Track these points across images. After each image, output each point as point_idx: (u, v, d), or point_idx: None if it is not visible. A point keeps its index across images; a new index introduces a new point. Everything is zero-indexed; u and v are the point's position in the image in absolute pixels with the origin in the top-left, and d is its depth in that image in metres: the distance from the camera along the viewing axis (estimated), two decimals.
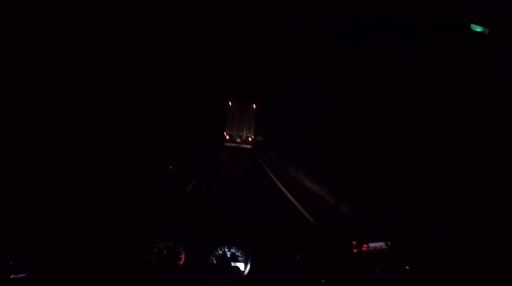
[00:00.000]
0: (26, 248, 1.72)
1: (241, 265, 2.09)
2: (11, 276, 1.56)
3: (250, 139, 19.10)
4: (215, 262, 2.06)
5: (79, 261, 1.78)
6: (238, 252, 2.10)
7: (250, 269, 2.07)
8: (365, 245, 2.27)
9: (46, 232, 1.77)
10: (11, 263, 1.63)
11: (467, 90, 4.51)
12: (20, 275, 1.61)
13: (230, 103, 19.12)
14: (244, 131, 19.05)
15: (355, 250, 2.23)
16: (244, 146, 18.97)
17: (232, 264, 2.08)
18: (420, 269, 2.46)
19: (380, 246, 2.37)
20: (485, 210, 3.54)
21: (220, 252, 2.08)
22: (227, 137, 18.92)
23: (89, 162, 4.59)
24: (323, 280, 2.13)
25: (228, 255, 2.09)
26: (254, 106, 19.15)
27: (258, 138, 20.54)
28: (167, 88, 13.06)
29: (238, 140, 18.98)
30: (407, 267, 2.45)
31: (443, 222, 3.04)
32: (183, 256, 1.99)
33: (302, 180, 11.41)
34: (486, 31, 3.14)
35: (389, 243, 2.40)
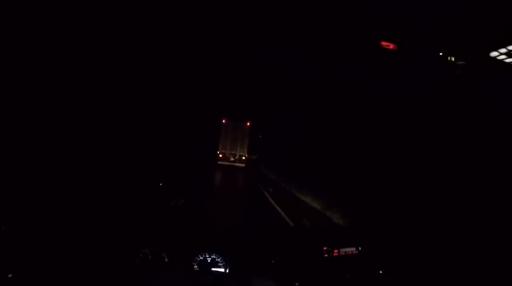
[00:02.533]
0: (22, 257, 1.90)
1: (221, 270, 2.28)
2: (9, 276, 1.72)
3: (243, 158, 18.95)
4: (196, 267, 2.25)
5: (72, 266, 1.97)
6: (218, 258, 2.29)
7: (229, 273, 2.25)
8: (336, 251, 2.45)
9: (40, 239, 1.98)
10: (10, 275, 1.79)
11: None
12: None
13: (223, 121, 19.07)
14: (238, 150, 18.93)
15: (325, 256, 2.41)
16: (238, 164, 18.80)
17: (213, 269, 2.27)
18: (392, 274, 2.61)
19: (351, 252, 2.55)
20: (456, 217, 3.72)
21: (201, 258, 2.27)
22: (220, 156, 18.72)
23: (83, 172, 4.78)
24: (296, 284, 2.30)
25: (209, 261, 2.27)
26: (248, 124, 18.99)
27: (253, 156, 20.45)
28: (161, 108, 13.44)
29: (232, 159, 18.81)
30: (380, 272, 2.60)
31: (414, 228, 3.21)
32: (166, 261, 2.19)
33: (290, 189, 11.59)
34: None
35: (360, 248, 2.58)
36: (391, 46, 3.99)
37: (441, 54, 3.92)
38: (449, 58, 3.84)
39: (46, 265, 1.84)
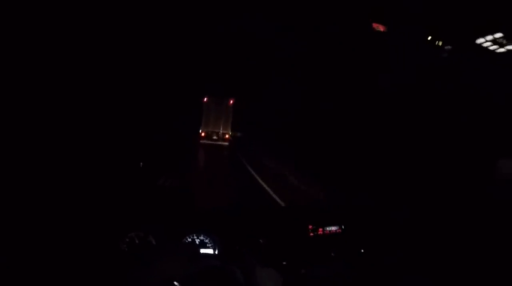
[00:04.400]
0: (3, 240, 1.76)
1: (210, 251, 2.27)
2: None
3: (227, 136, 18.80)
4: (185, 249, 2.22)
5: (53, 251, 1.87)
6: (206, 239, 2.28)
7: (218, 254, 2.26)
8: (320, 229, 2.53)
9: (19, 223, 1.84)
10: None
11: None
12: None
13: (205, 98, 18.51)
14: (221, 128, 18.69)
15: (311, 234, 2.48)
16: (221, 143, 18.69)
17: (201, 250, 2.25)
18: (374, 252, 2.75)
19: (335, 230, 2.64)
20: (438, 197, 3.98)
21: (189, 239, 2.25)
22: (203, 134, 18.50)
23: (64, 155, 4.54)
24: (284, 263, 2.36)
25: (197, 242, 2.26)
26: (231, 101, 18.66)
27: (238, 134, 20.42)
28: (143, 86, 12.89)
29: (215, 137, 18.65)
30: (362, 250, 2.73)
31: (397, 207, 3.39)
32: (154, 244, 2.14)
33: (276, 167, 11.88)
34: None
35: (343, 227, 2.68)
36: (381, 28, 4.02)
37: (429, 38, 4.02)
38: (436, 42, 3.95)
39: (25, 252, 1.72)
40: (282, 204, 6.53)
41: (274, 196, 7.69)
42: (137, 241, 2.10)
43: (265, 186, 9.25)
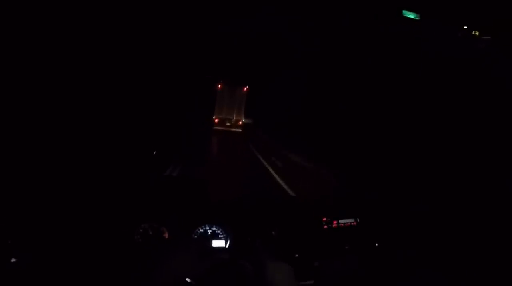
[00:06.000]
0: (21, 237, 1.81)
1: (221, 242, 2.27)
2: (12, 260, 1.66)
3: (240, 123, 19.13)
4: (196, 239, 2.23)
5: (71, 245, 1.91)
6: (218, 230, 2.28)
7: (230, 246, 2.26)
8: (335, 222, 2.47)
9: (37, 219, 1.88)
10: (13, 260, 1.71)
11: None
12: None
13: (219, 85, 18.68)
14: (234, 115, 18.89)
15: (325, 227, 2.43)
16: (234, 129, 18.98)
17: (213, 241, 2.26)
18: (389, 246, 2.68)
19: (350, 223, 2.58)
20: (455, 188, 3.83)
21: (201, 230, 2.25)
22: (216, 121, 18.83)
23: (76, 147, 4.63)
24: (296, 255, 2.33)
25: (209, 233, 2.26)
26: (245, 89, 18.82)
27: (249, 121, 20.63)
28: (154, 74, 12.86)
29: (228, 123, 19.01)
30: (376, 244, 2.66)
31: (413, 200, 3.28)
32: (166, 235, 2.15)
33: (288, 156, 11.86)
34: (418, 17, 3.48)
35: (358, 220, 2.61)
36: (412, 16, 3.75)
37: (465, 27, 3.73)
38: (473, 32, 3.65)
39: (47, 249, 1.77)
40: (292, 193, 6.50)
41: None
42: (150, 232, 2.12)
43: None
